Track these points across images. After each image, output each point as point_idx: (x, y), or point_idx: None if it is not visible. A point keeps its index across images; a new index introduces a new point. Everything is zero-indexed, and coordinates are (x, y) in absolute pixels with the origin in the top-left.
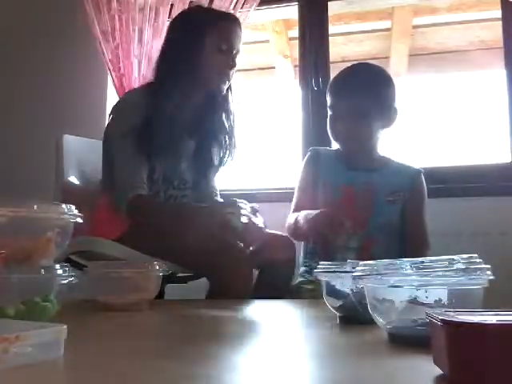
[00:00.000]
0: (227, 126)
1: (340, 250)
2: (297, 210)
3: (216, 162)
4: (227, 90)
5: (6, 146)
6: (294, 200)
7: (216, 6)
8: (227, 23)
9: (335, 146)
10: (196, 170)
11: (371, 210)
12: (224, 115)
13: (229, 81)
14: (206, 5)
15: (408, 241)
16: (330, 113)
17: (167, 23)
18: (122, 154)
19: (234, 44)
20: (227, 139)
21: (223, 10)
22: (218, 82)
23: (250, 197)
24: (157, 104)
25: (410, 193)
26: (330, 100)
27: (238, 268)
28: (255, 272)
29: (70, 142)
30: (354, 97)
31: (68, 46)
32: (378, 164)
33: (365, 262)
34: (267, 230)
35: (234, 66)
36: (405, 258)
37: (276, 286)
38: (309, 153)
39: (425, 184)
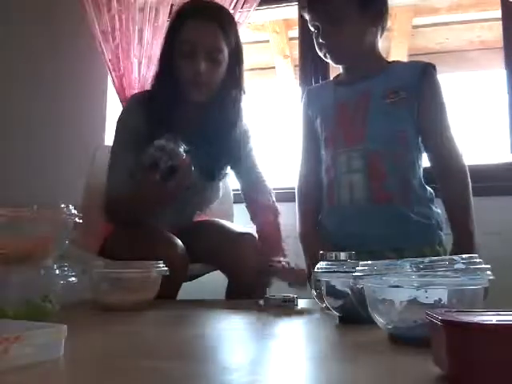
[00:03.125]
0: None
1: (345, 176)
2: (303, 165)
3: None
4: (221, 96)
5: (5, 147)
6: (301, 152)
7: None
8: (190, 22)
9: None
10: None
11: (366, 116)
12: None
13: (204, 85)
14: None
15: (430, 156)
16: (311, 30)
17: (167, 23)
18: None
19: (200, 43)
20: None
21: None
22: (189, 89)
23: None
24: (149, 113)
25: (418, 90)
26: (306, 16)
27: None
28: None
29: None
30: (322, 2)
31: (68, 46)
32: (379, 68)
33: (365, 262)
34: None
35: (201, 66)
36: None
37: (244, 290)
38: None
39: (438, 81)
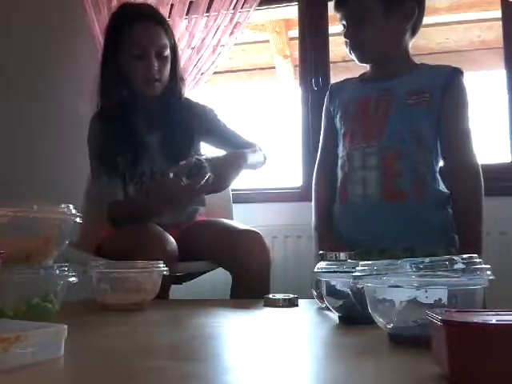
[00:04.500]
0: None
1: (358, 173)
2: (321, 160)
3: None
4: (173, 80)
5: (5, 147)
6: (320, 148)
7: (215, 5)
8: (137, 26)
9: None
10: (166, 159)
11: (387, 115)
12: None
13: (158, 81)
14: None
15: (446, 156)
16: (342, 28)
17: None
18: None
19: (151, 44)
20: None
21: (223, 10)
22: (144, 87)
23: (250, 197)
24: (107, 120)
25: (443, 93)
26: (337, 15)
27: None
28: (227, 274)
29: None
30: (346, 2)
31: (68, 46)
32: (404, 69)
33: (364, 262)
34: (240, 226)
35: (154, 66)
36: (444, 175)
37: (251, 290)
38: None
39: (465, 86)
